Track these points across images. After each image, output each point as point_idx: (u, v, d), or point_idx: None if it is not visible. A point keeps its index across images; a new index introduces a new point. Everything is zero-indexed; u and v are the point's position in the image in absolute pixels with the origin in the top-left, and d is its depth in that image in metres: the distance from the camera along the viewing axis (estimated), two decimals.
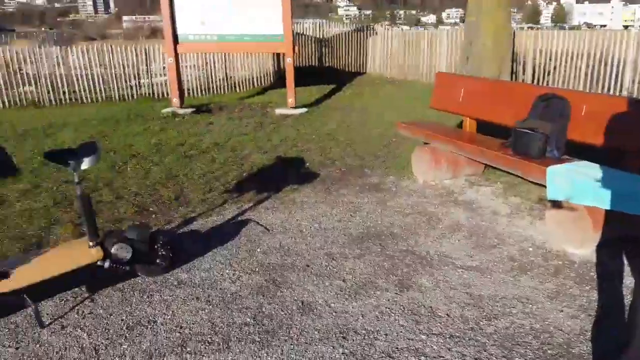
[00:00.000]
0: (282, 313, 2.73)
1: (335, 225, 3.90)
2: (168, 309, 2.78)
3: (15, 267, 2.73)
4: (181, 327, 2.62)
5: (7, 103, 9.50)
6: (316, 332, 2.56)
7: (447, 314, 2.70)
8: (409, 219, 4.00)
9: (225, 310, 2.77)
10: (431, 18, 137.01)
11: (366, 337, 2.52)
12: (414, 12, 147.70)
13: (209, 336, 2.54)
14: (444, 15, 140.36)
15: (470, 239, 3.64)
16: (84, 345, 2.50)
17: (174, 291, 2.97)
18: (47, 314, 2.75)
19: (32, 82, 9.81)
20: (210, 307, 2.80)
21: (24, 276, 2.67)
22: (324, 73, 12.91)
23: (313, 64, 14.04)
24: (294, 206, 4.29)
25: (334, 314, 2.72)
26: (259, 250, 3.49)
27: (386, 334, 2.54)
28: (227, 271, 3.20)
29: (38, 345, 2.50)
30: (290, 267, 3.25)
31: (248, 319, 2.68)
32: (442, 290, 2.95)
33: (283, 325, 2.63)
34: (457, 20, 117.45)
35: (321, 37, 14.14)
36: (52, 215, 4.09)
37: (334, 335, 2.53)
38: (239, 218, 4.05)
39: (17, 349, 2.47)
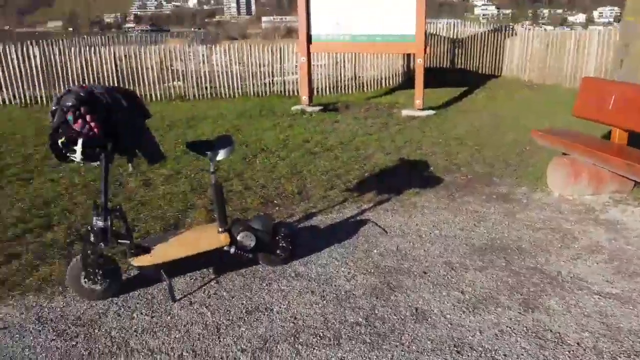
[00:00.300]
0: (395, 317, 2.69)
1: (457, 234, 3.74)
2: (284, 299, 2.89)
3: (155, 244, 3.03)
4: (295, 318, 2.70)
5: (158, 96, 10.59)
6: (429, 342, 2.48)
7: (578, 343, 2.45)
8: (540, 235, 3.70)
9: (338, 307, 2.80)
10: (579, 17, 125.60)
11: (483, 354, 2.38)
12: (560, 10, 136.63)
13: (321, 330, 2.59)
14: (595, 14, 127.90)
15: (611, 263, 3.26)
16: (208, 322, 2.69)
17: (291, 282, 3.07)
18: (179, 290, 3.01)
19: (180, 77, 10.82)
20: (324, 302, 2.85)
21: (162, 253, 2.95)
22: (455, 75, 12.47)
23: (444, 65, 13.63)
24: (415, 210, 4.20)
25: (449, 325, 2.61)
26: (375, 251, 3.47)
27: (505, 355, 2.37)
28: (343, 269, 3.23)
29: (169, 317, 2.74)
30: (407, 272, 3.18)
31: (360, 319, 2.68)
32: (574, 316, 2.68)
33: (395, 330, 2.58)
34: (611, 20, 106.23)
35: (454, 37, 13.67)
36: (188, 200, 4.47)
37: (447, 348, 2.43)
38: (358, 217, 4.06)
39: (152, 317, 2.74)
